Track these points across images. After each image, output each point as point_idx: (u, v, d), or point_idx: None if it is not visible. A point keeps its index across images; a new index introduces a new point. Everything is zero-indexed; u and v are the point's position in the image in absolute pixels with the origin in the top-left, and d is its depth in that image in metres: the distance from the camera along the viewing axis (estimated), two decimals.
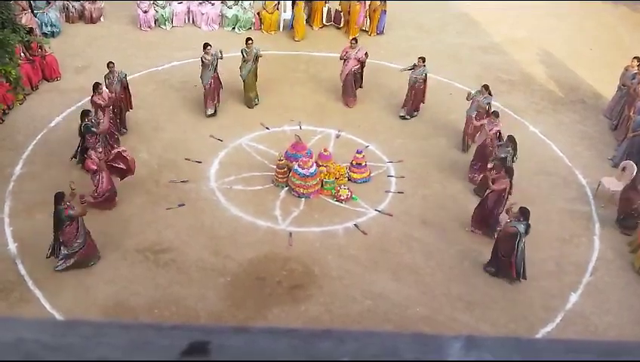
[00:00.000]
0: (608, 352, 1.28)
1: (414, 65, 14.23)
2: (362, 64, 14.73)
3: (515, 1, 20.04)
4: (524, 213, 10.25)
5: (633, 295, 10.63)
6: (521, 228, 10.21)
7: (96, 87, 12.44)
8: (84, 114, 11.82)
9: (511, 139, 11.92)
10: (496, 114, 12.60)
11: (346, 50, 14.68)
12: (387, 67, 16.49)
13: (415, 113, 14.68)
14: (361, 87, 15.04)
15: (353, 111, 14.68)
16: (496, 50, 17.95)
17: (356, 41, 14.81)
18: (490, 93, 13.20)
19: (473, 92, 13.43)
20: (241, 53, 14.22)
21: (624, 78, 14.65)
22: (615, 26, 19.76)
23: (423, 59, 14.13)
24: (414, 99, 14.49)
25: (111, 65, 13.14)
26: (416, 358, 1.21)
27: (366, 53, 14.66)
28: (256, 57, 14.21)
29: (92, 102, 12.49)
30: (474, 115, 13.08)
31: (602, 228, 11.92)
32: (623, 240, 11.65)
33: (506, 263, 10.53)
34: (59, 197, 9.86)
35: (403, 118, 14.57)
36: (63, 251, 10.14)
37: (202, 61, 13.72)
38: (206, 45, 13.76)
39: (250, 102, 14.61)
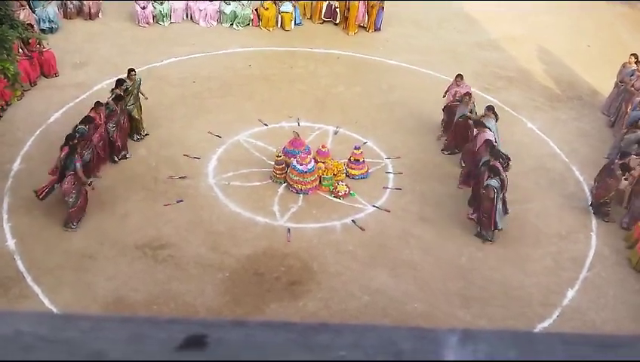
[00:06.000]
0: (604, 345, 1.28)
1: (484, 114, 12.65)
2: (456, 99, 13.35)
3: None
4: (492, 170, 10.79)
5: (629, 290, 10.67)
6: (494, 183, 10.66)
7: (97, 105, 12.12)
8: (87, 120, 11.75)
9: (488, 143, 11.61)
10: (460, 76, 13.43)
11: (450, 87, 13.68)
12: (385, 63, 16.49)
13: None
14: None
15: (351, 108, 14.67)
16: (494, 46, 17.92)
17: (462, 78, 13.57)
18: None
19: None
20: (125, 88, 12.70)
21: (622, 75, 14.65)
22: (613, 23, 19.74)
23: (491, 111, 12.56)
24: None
25: (119, 102, 12.34)
26: (412, 349, 1.22)
27: (467, 93, 13.20)
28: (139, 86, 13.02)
29: (88, 115, 11.96)
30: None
31: (599, 224, 11.95)
32: (619, 236, 11.68)
33: (486, 222, 11.08)
34: (74, 147, 10.65)
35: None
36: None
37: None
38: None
39: (140, 135, 13.27)
